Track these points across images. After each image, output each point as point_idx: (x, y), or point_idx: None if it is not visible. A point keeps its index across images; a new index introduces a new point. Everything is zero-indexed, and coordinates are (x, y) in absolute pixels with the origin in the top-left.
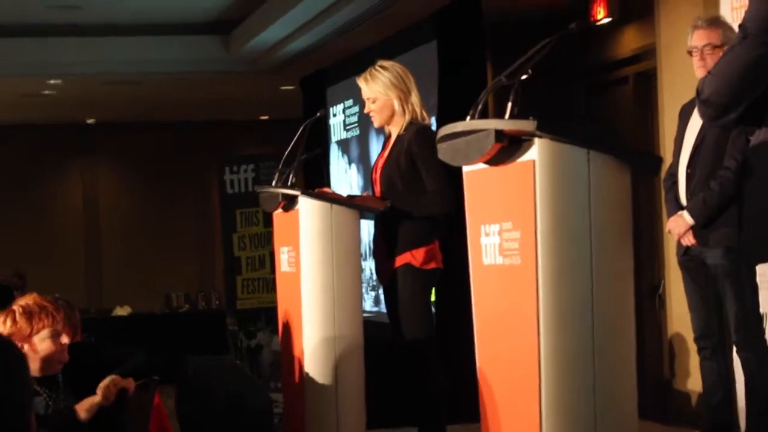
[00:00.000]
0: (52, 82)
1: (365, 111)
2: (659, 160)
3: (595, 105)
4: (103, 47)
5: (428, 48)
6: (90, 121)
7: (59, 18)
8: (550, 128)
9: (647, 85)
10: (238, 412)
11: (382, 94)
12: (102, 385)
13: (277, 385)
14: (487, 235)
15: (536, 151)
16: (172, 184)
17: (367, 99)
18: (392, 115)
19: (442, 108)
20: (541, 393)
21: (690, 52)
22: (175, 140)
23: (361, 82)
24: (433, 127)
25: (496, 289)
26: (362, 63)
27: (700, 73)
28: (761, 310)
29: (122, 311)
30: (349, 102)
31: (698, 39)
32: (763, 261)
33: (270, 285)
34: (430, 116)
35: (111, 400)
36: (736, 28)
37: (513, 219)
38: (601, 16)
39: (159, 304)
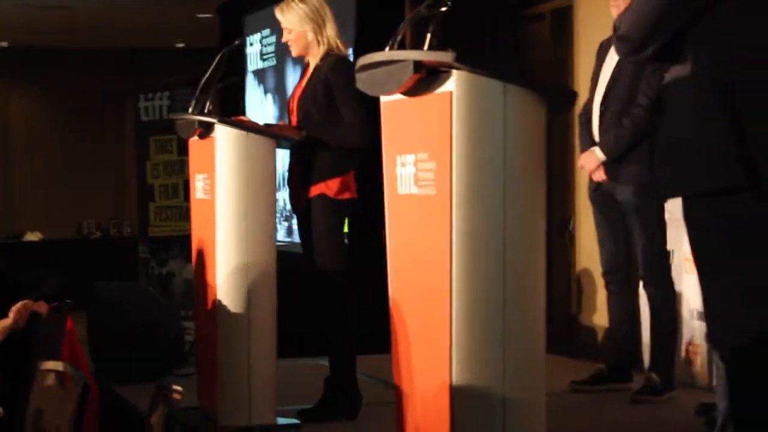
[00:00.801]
0: None
1: (282, 40)
2: (574, 95)
3: (512, 40)
4: None
5: None
6: (3, 44)
7: None
8: (467, 60)
9: (564, 21)
10: (149, 337)
11: (297, 25)
12: (14, 308)
13: (188, 313)
14: (402, 165)
15: (453, 83)
16: (86, 110)
17: (284, 29)
18: (308, 45)
19: (360, 40)
20: (452, 325)
21: None
22: (90, 66)
23: (277, 12)
24: (351, 59)
25: (410, 219)
26: None
27: (614, 11)
28: (668, 247)
29: (33, 237)
30: (266, 31)
31: None
32: (672, 197)
33: (183, 213)
34: (347, 47)
35: (22, 324)
36: None
37: (429, 150)
38: None
39: (71, 230)
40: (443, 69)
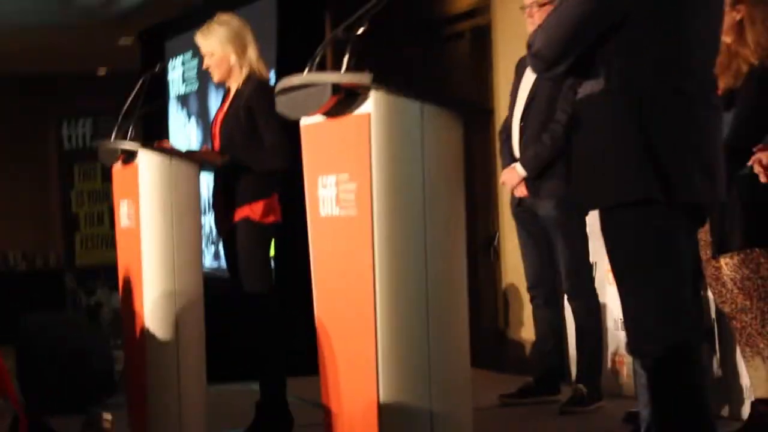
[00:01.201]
0: None
1: (204, 66)
2: (488, 113)
3: (432, 60)
4: None
5: (268, 2)
6: None
7: None
8: (384, 81)
9: (483, 40)
10: (79, 366)
11: (219, 49)
12: None
13: (117, 343)
14: (324, 186)
15: (372, 104)
16: (6, 140)
17: (205, 53)
18: (230, 69)
19: (281, 62)
20: (377, 343)
21: (522, 8)
22: (9, 94)
23: (198, 37)
24: (273, 81)
25: (333, 241)
26: (201, 16)
27: (530, 29)
28: (591, 259)
29: None
30: (188, 56)
31: None
32: (589, 210)
33: (109, 241)
34: (268, 70)
35: None
36: None
37: (349, 171)
38: None
39: None
40: (361, 91)
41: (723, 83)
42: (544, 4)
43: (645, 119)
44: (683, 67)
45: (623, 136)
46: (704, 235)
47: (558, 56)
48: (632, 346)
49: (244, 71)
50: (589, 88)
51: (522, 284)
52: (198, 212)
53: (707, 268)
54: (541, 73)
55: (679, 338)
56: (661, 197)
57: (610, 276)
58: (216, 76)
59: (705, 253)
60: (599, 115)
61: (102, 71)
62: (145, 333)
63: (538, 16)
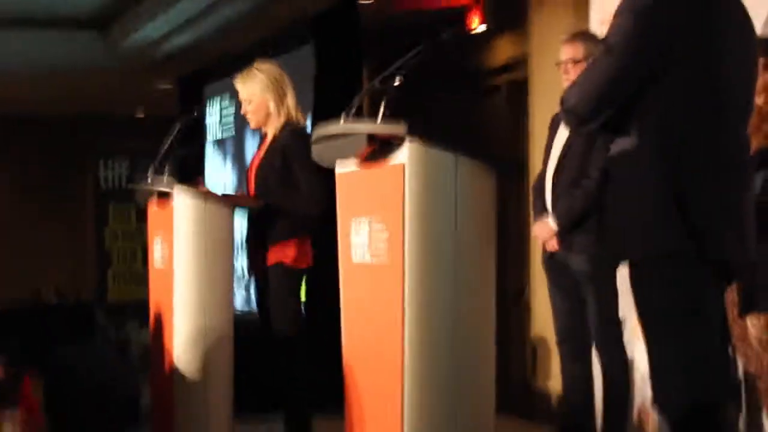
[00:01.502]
0: None
1: (242, 111)
2: (521, 166)
3: (468, 112)
4: None
5: (305, 50)
6: None
7: None
8: (419, 133)
9: (520, 94)
10: (106, 399)
11: (258, 95)
12: None
13: (144, 377)
14: (357, 234)
15: (406, 155)
16: (46, 178)
17: (244, 100)
18: (268, 115)
19: (318, 110)
20: (404, 389)
21: (558, 65)
22: (51, 135)
23: (238, 83)
24: (309, 128)
25: (363, 287)
26: (240, 63)
27: (566, 85)
28: (621, 314)
29: None
30: (226, 102)
31: (563, 53)
32: (620, 261)
33: (140, 278)
34: (305, 117)
35: None
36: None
37: (383, 219)
38: (476, 24)
39: (28, 296)
40: (396, 141)
41: (755, 143)
42: (578, 61)
43: (678, 175)
44: (717, 125)
45: (656, 191)
46: (731, 294)
47: (591, 113)
48: (658, 401)
49: (282, 118)
50: (622, 144)
51: (551, 336)
52: (230, 254)
53: (734, 328)
54: (575, 128)
55: (705, 394)
56: (692, 251)
57: (639, 331)
58: (253, 123)
59: (731, 312)
60: (632, 170)
61: (140, 114)
62: (174, 369)
63: (573, 73)
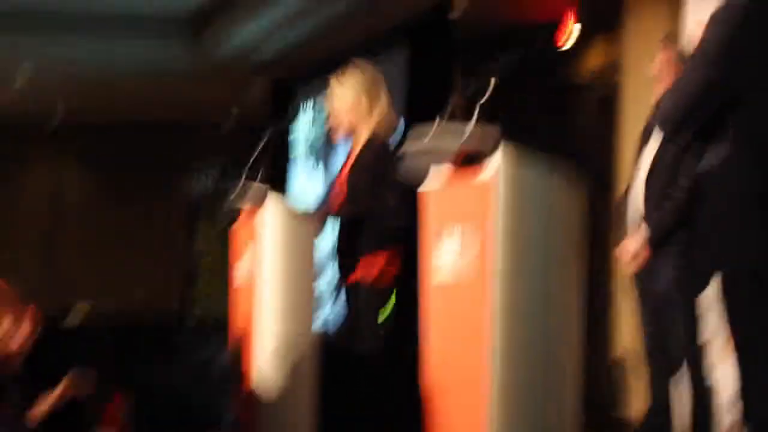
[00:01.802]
0: (19, 77)
1: (332, 116)
2: (612, 178)
3: (560, 123)
4: (73, 45)
5: (399, 55)
6: (55, 120)
7: (28, 15)
8: (510, 145)
9: (611, 105)
10: (189, 420)
11: (352, 96)
12: (66, 379)
13: (228, 397)
14: (442, 252)
15: (496, 169)
16: (138, 187)
17: (336, 100)
18: (359, 120)
19: (410, 115)
20: (490, 411)
21: (651, 70)
22: (141, 143)
23: (334, 82)
24: (402, 130)
25: (448, 307)
26: (332, 69)
27: (658, 89)
28: (706, 336)
29: (82, 308)
30: (316, 111)
31: (657, 58)
32: (713, 273)
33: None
34: (398, 119)
35: (74, 393)
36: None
37: (470, 234)
38: (568, 36)
39: (117, 305)
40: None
41: None
42: (672, 66)
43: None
44: None
45: (747, 205)
46: None
47: (685, 119)
48: (747, 419)
49: (373, 123)
50: (715, 154)
51: (636, 355)
52: (314, 272)
53: None
54: (669, 135)
55: None
56: None
57: (722, 355)
58: (343, 129)
59: None
60: (725, 181)
61: (233, 122)
62: (256, 389)
63: (668, 77)
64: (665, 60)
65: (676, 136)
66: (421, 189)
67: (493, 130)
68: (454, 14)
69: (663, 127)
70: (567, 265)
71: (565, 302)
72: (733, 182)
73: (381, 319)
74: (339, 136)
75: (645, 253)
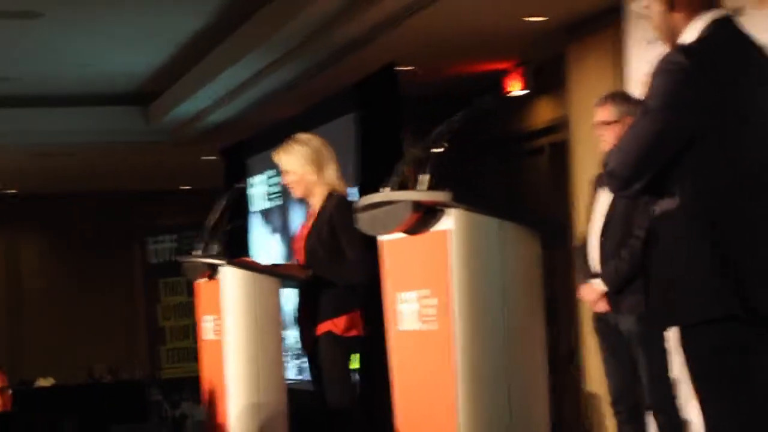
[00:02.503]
0: None
1: (283, 183)
2: (565, 228)
3: (512, 174)
4: (26, 118)
5: (347, 119)
6: (10, 191)
7: None
8: (464, 199)
9: (561, 154)
10: None
11: (298, 168)
12: None
13: None
14: (404, 302)
15: (451, 221)
16: (94, 254)
17: (285, 172)
18: (309, 187)
19: (361, 178)
20: None
21: (593, 126)
22: (97, 210)
23: (276, 156)
24: (355, 196)
25: (414, 355)
26: (282, 133)
27: (602, 146)
28: (674, 374)
29: (45, 382)
30: (272, 172)
31: (596, 115)
32: (668, 327)
33: (194, 354)
34: (348, 186)
35: None
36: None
37: (430, 286)
38: (516, 88)
39: (82, 375)
40: (440, 207)
41: None
42: (611, 123)
43: (720, 237)
44: (759, 182)
45: (700, 254)
46: None
47: (633, 176)
48: None
49: (325, 188)
50: (665, 205)
51: (605, 398)
52: (280, 326)
53: None
54: (616, 192)
55: None
56: (741, 313)
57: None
58: (296, 193)
59: None
60: (675, 232)
61: (186, 187)
62: None
63: (607, 135)
64: (603, 116)
65: (625, 192)
66: (380, 239)
67: (446, 187)
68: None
69: (611, 184)
70: (526, 312)
71: (527, 348)
72: (679, 233)
73: (348, 370)
74: (295, 200)
75: (605, 300)
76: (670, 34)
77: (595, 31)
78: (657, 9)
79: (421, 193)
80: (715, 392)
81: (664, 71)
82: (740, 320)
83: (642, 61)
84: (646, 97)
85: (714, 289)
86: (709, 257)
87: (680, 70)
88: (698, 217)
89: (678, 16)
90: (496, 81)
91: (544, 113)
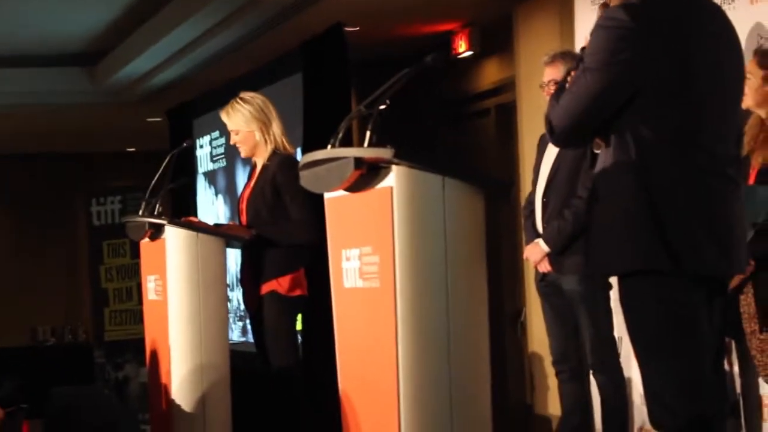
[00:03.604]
0: None
1: (231, 143)
2: (509, 185)
3: (459, 135)
4: None
5: (294, 80)
6: None
7: None
8: (406, 156)
9: (508, 116)
10: None
11: (244, 126)
12: None
13: (144, 417)
14: (347, 259)
15: (393, 178)
16: (38, 216)
17: (231, 131)
18: (255, 145)
19: (307, 139)
20: (400, 415)
21: (541, 87)
22: (41, 172)
23: (223, 115)
24: (299, 158)
25: (356, 312)
26: (228, 95)
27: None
28: (615, 334)
29: None
30: (216, 133)
31: (545, 75)
32: (601, 276)
33: (138, 317)
34: (295, 147)
35: None
36: None
37: (372, 243)
38: (463, 49)
39: (25, 337)
40: (383, 165)
41: (760, 158)
42: (559, 82)
43: (653, 190)
44: (694, 140)
45: (632, 207)
46: (748, 307)
47: (573, 130)
48: (652, 420)
49: (270, 147)
50: (603, 160)
51: (548, 358)
52: (224, 286)
53: (751, 341)
54: (559, 146)
55: (698, 412)
56: (667, 267)
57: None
58: (243, 152)
59: (749, 325)
60: (611, 186)
61: (131, 149)
62: (173, 406)
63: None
64: (551, 74)
65: (566, 146)
66: (325, 197)
67: (389, 144)
68: (347, 30)
69: (553, 139)
70: (468, 269)
71: (468, 305)
72: (614, 187)
73: (293, 329)
74: (239, 161)
75: (548, 260)
76: None
77: None
78: None
79: (362, 150)
80: (650, 346)
81: (603, 27)
82: (671, 274)
83: (589, 21)
84: (585, 54)
85: (642, 241)
86: (640, 211)
87: (619, 26)
88: (627, 172)
89: None
90: (443, 42)
91: (491, 74)
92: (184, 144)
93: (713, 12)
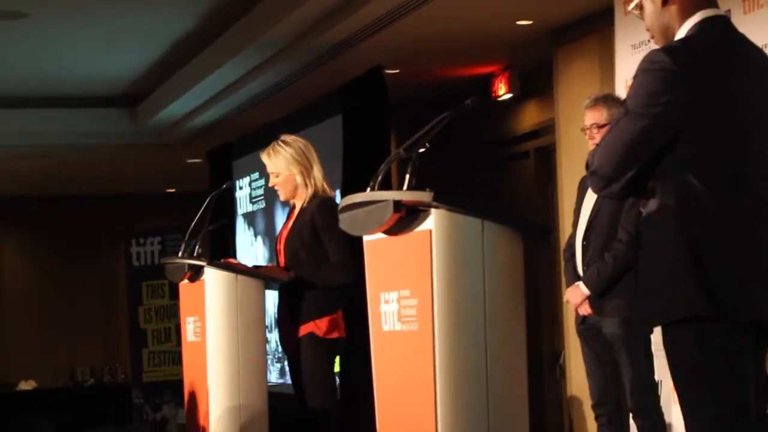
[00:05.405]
0: None
1: (270, 185)
2: (548, 231)
3: (498, 178)
4: (11, 119)
5: (334, 122)
6: None
7: None
8: (445, 199)
9: (547, 159)
10: None
11: (285, 169)
12: None
13: None
14: (386, 302)
15: (433, 221)
16: (79, 257)
17: (271, 173)
18: (296, 188)
19: (346, 180)
20: None
21: (583, 130)
22: (82, 213)
23: (264, 157)
24: (338, 200)
25: (395, 356)
26: (268, 136)
27: (591, 145)
28: (656, 377)
29: (27, 385)
30: (255, 175)
31: (586, 119)
32: (648, 327)
33: (176, 358)
34: (334, 189)
35: None
36: None
37: (411, 287)
38: (503, 92)
39: (64, 378)
40: (422, 208)
41: None
42: (602, 126)
43: (696, 236)
44: (738, 183)
45: (675, 254)
46: None
47: (615, 174)
48: None
49: (310, 190)
50: (648, 207)
51: (587, 401)
52: (263, 327)
53: None
54: (599, 191)
55: None
56: (712, 314)
57: (675, 395)
58: (282, 195)
59: None
60: (656, 233)
61: (171, 190)
62: None
63: (598, 137)
64: (593, 118)
65: (607, 190)
66: (364, 239)
67: (429, 185)
68: (387, 72)
69: (594, 183)
70: (506, 313)
71: (507, 349)
72: (660, 233)
73: (331, 371)
74: (278, 203)
75: (588, 303)
76: (664, 34)
77: (583, 35)
78: (650, 9)
79: (402, 193)
80: (692, 393)
81: (645, 71)
82: (715, 322)
83: (629, 65)
84: (627, 97)
85: (687, 290)
86: (683, 257)
87: (661, 69)
88: (676, 218)
89: (670, 14)
90: (483, 84)
91: (530, 117)
92: (224, 185)
93: (755, 50)
